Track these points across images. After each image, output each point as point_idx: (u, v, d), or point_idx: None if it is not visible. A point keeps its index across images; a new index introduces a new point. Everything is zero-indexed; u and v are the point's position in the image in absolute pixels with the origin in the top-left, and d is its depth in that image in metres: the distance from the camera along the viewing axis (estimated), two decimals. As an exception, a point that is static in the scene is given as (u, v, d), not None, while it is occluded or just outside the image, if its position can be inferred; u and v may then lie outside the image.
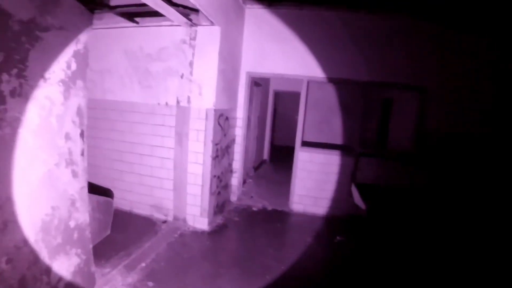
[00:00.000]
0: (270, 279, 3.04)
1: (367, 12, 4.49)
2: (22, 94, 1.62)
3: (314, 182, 4.91)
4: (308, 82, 4.93)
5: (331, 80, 4.80)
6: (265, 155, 8.72)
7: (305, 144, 5.19)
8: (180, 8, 3.47)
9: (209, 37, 3.84)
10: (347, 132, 6.39)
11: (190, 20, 3.71)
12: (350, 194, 4.55)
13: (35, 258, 1.77)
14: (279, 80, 8.11)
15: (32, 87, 1.70)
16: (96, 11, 3.56)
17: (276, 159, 8.94)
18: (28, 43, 1.63)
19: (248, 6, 4.76)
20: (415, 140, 4.66)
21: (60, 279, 2.00)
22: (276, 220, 4.60)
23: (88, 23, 2.17)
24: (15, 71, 1.56)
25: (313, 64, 4.76)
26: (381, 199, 3.98)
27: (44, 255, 1.85)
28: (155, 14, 3.61)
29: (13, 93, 1.57)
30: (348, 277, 3.19)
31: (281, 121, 11.04)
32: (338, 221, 4.68)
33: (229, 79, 4.44)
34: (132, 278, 2.87)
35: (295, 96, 5.48)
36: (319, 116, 6.60)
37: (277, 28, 4.79)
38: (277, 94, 8.76)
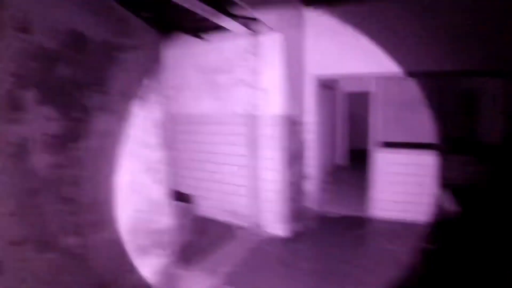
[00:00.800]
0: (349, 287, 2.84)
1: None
2: (104, 108, 1.85)
3: (395, 185, 4.47)
4: (380, 80, 4.61)
5: (406, 74, 4.38)
6: (341, 159, 8.37)
7: (382, 145, 4.82)
8: (241, 20, 3.60)
9: (271, 44, 3.88)
10: (429, 129, 5.73)
11: (251, 29, 3.82)
12: (437, 197, 4.04)
13: (122, 256, 1.97)
14: (349, 81, 7.76)
15: (113, 101, 1.92)
16: (167, 32, 3.93)
17: (353, 163, 8.49)
18: (106, 62, 1.86)
19: (308, 9, 4.69)
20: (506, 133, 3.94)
21: (142, 278, 2.18)
22: (354, 226, 4.31)
23: (160, 43, 2.40)
24: (96, 87, 1.80)
25: (384, 59, 4.37)
26: (474, 201, 3.43)
27: (129, 254, 2.04)
28: (219, 28, 3.81)
29: (95, 108, 1.80)
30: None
31: (356, 124, 10.48)
32: (423, 227, 4.14)
33: (295, 84, 4.39)
34: (211, 281, 2.98)
35: (369, 96, 5.18)
36: (396, 114, 6.07)
37: (340, 28, 4.56)
38: (349, 96, 8.40)
